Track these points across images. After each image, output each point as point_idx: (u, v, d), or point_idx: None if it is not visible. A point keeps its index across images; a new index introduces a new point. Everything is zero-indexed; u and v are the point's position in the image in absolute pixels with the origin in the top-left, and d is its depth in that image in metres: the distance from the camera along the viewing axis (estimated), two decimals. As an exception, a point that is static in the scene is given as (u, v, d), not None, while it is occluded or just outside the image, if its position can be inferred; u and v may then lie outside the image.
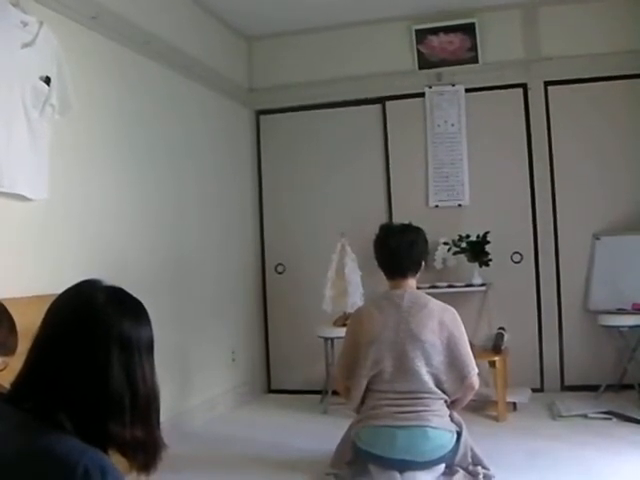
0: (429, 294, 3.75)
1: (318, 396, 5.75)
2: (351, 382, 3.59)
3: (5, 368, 2.68)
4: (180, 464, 3.76)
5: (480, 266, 5.68)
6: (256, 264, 6.47)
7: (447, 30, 5.96)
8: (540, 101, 5.92)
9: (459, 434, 3.48)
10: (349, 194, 6.26)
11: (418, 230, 3.78)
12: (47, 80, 3.58)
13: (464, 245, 5.70)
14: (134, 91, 4.62)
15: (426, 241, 3.81)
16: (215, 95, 5.82)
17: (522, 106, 5.97)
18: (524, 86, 5.97)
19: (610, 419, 4.79)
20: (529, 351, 5.77)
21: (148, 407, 1.41)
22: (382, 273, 3.77)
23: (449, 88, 6.09)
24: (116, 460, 1.36)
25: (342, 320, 5.45)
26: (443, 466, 3.45)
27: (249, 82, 6.53)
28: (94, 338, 1.36)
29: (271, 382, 6.50)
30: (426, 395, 3.43)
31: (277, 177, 6.50)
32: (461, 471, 3.48)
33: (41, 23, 3.54)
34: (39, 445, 1.27)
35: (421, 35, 6.02)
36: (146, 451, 1.41)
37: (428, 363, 3.44)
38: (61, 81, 3.66)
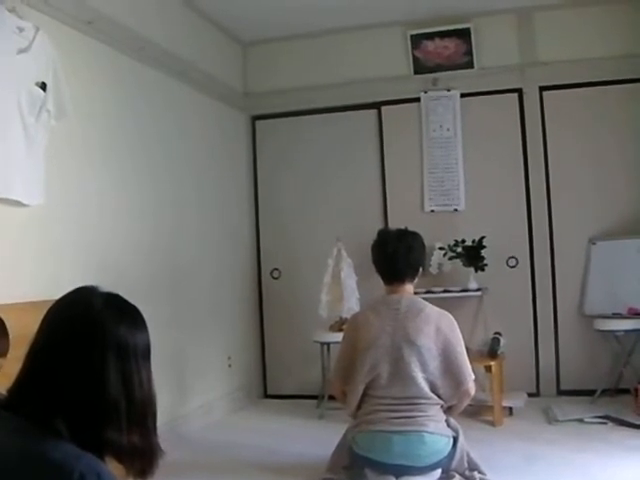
0: (425, 299, 3.74)
1: (314, 401, 5.76)
2: (348, 387, 3.59)
3: (-1, 369, 2.68)
4: (176, 469, 3.75)
5: (476, 271, 5.69)
6: (252, 269, 6.47)
7: (442, 35, 5.97)
8: (535, 106, 5.93)
9: (455, 439, 3.48)
10: (345, 199, 6.27)
11: (416, 235, 3.78)
12: (43, 86, 3.57)
13: (460, 250, 5.70)
14: (130, 96, 4.62)
15: (424, 246, 3.81)
16: (211, 100, 5.83)
17: (517, 111, 5.98)
18: (519, 91, 5.98)
19: (606, 423, 4.79)
20: (525, 356, 5.77)
21: (145, 413, 1.41)
22: (378, 278, 3.77)
23: (444, 93, 6.10)
24: (113, 466, 1.36)
25: (338, 325, 5.45)
26: (439, 471, 3.45)
27: (244, 87, 6.54)
28: (91, 344, 1.36)
29: (267, 387, 6.50)
30: (422, 400, 3.43)
31: (273, 182, 6.50)
32: (457, 476, 3.47)
33: (37, 29, 3.54)
34: (35, 451, 1.27)
35: (416, 40, 6.03)
36: (143, 457, 1.41)
37: (424, 369, 3.44)
38: (57, 87, 3.65)
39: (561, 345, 5.80)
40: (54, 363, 1.36)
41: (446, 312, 3.62)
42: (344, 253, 5.65)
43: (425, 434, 3.37)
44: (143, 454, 1.41)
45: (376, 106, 6.27)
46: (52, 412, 1.32)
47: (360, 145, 6.29)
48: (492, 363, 4.98)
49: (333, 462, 3.68)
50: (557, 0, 5.75)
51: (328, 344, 5.58)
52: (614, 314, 5.40)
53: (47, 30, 3.63)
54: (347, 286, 5.58)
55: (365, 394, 3.53)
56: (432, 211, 6.09)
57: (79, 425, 1.33)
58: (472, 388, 3.52)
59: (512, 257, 5.91)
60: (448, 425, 3.49)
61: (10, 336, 2.91)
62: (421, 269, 3.77)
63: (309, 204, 6.37)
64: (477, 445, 3.73)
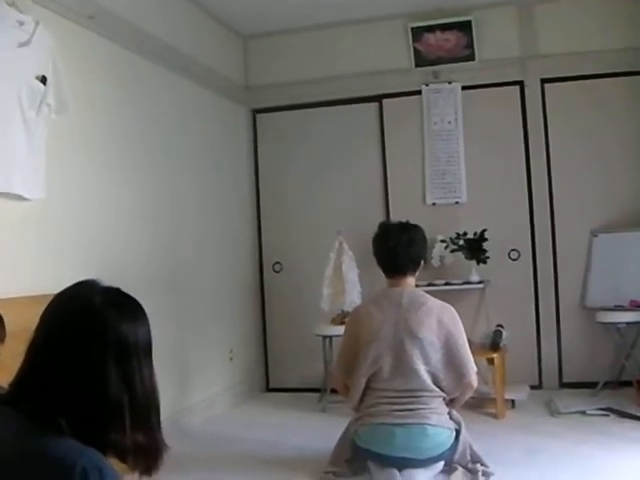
0: (427, 292, 3.75)
1: (316, 394, 5.76)
2: (350, 380, 3.59)
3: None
4: (178, 463, 3.75)
5: (478, 263, 5.68)
6: (254, 263, 6.47)
7: (443, 28, 5.95)
8: (537, 98, 5.92)
9: (458, 432, 3.49)
10: (346, 192, 6.26)
11: (417, 228, 3.77)
12: (43, 79, 3.57)
13: (461, 242, 5.70)
14: (130, 90, 4.62)
15: (425, 239, 3.81)
16: (211, 94, 5.81)
17: (519, 103, 5.97)
18: (521, 83, 5.96)
19: (608, 416, 4.80)
20: (527, 348, 5.77)
21: (148, 409, 1.40)
22: (380, 271, 3.77)
23: (446, 86, 6.09)
24: (114, 462, 1.35)
25: (340, 318, 5.45)
26: (442, 464, 3.46)
27: (245, 80, 6.53)
28: (91, 340, 1.35)
29: (269, 380, 6.50)
30: (425, 393, 3.43)
31: (274, 175, 6.49)
32: (460, 468, 3.48)
33: (37, 22, 3.53)
34: (37, 446, 1.26)
35: (418, 33, 6.01)
36: (147, 454, 1.39)
37: (426, 361, 3.44)
38: (57, 80, 3.64)
39: (563, 338, 5.80)
40: (54, 359, 1.34)
41: (448, 305, 3.62)
42: (346, 246, 5.65)
43: (427, 427, 3.37)
44: (148, 451, 1.39)
45: (377, 99, 6.25)
46: (53, 408, 1.31)
47: (361, 138, 6.28)
48: (494, 356, 4.98)
49: (335, 455, 3.68)
50: (558, -8, 5.74)
51: (330, 337, 5.57)
52: (616, 306, 5.39)
53: (47, 24, 3.62)
54: (349, 279, 5.58)
55: (367, 387, 3.54)
56: (434, 204, 6.08)
57: (81, 423, 1.31)
58: (474, 381, 3.52)
59: (514, 249, 5.90)
60: (450, 418, 3.50)
61: (7, 327, 2.91)
62: (423, 262, 3.77)
63: (310, 197, 6.36)
64: (479, 438, 3.73)
